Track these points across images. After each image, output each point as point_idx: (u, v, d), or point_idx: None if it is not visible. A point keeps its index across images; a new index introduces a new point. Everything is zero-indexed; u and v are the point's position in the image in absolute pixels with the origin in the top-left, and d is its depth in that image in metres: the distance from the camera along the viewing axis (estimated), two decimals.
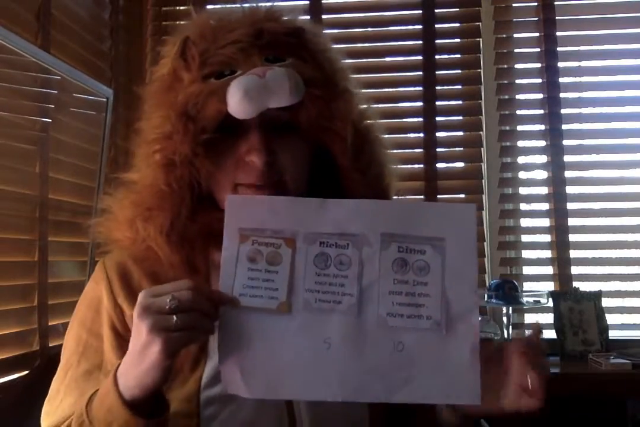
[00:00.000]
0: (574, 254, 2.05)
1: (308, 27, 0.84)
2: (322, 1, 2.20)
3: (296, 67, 0.77)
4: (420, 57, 2.14)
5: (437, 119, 2.12)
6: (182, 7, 2.25)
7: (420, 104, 2.15)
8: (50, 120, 1.57)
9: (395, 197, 0.92)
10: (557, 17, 2.11)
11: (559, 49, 2.10)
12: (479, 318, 0.75)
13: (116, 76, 1.95)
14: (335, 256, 0.74)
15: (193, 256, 0.81)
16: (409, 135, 2.17)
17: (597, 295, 1.97)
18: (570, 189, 2.07)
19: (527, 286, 2.06)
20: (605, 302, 1.98)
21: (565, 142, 2.08)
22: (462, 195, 2.14)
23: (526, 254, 2.13)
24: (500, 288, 1.87)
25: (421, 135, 2.13)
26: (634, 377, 1.75)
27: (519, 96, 2.18)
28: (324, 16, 2.19)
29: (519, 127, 2.15)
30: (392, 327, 0.73)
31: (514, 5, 2.16)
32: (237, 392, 0.71)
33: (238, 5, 0.85)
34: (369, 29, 2.19)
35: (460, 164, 2.16)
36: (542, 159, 2.11)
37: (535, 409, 0.74)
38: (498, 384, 0.74)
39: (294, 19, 0.85)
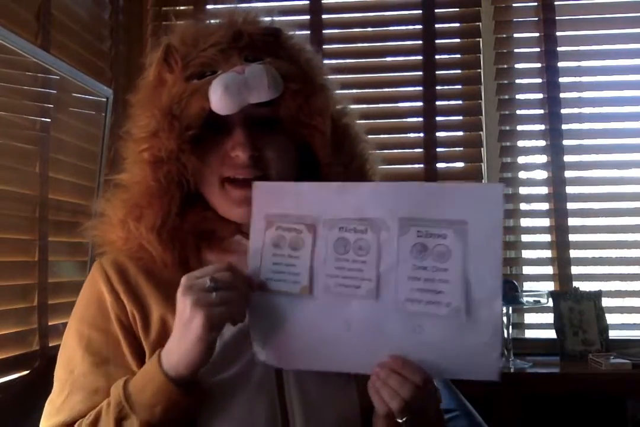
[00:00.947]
0: (574, 254, 2.05)
1: (284, 28, 0.87)
2: (322, 1, 2.20)
3: (274, 64, 0.80)
4: (420, 57, 2.14)
5: (437, 119, 2.12)
6: (182, 7, 2.26)
7: (420, 104, 2.14)
8: (50, 120, 1.57)
9: None
10: (557, 17, 2.10)
11: (559, 49, 2.10)
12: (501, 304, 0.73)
13: (116, 76, 1.95)
14: (354, 240, 0.74)
15: (185, 255, 0.83)
16: (409, 135, 2.17)
17: (597, 295, 1.97)
18: (570, 189, 2.07)
19: (527, 285, 2.06)
20: (605, 302, 1.97)
21: (565, 142, 2.08)
22: None
23: (526, 254, 2.12)
24: None
25: (421, 135, 2.13)
26: (634, 377, 1.76)
27: (519, 96, 2.18)
28: (324, 16, 2.19)
29: (519, 127, 2.15)
30: (410, 312, 0.73)
31: (514, 5, 2.16)
32: (269, 362, 0.77)
33: (217, 9, 0.89)
34: (369, 29, 2.19)
35: (460, 164, 2.17)
36: (542, 159, 2.11)
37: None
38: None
39: (271, 20, 0.89)
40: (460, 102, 2.20)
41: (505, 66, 2.15)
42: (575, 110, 2.14)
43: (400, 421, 0.72)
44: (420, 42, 2.15)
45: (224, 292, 0.70)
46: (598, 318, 1.94)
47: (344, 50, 2.24)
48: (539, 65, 2.12)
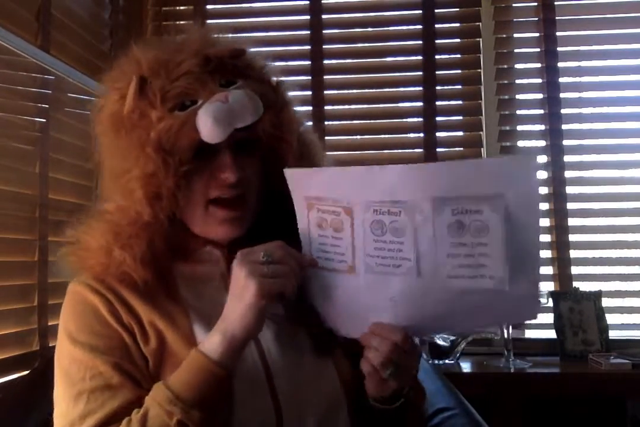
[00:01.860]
0: (574, 254, 2.05)
1: (245, 46, 0.89)
2: (322, 1, 2.20)
3: (250, 87, 0.84)
4: (420, 57, 2.15)
5: (437, 119, 2.13)
6: (182, 7, 2.26)
7: (420, 104, 2.15)
8: (49, 120, 1.57)
9: None
10: (557, 17, 2.11)
11: (559, 49, 2.10)
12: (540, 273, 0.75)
13: None
14: (389, 222, 0.75)
15: (160, 268, 0.85)
16: (409, 135, 2.17)
17: (597, 295, 1.97)
18: (570, 189, 2.07)
19: None
20: (605, 302, 1.97)
21: (565, 142, 2.08)
22: None
23: None
24: None
25: (421, 135, 2.13)
26: (634, 377, 1.75)
27: (519, 96, 2.18)
28: (324, 16, 2.19)
29: (519, 127, 2.15)
30: (454, 287, 0.74)
31: (514, 5, 2.16)
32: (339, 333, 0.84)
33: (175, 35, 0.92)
34: (369, 29, 2.19)
35: None
36: (542, 159, 2.11)
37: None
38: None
39: (230, 39, 0.91)
40: (460, 102, 2.20)
41: (505, 66, 2.16)
42: (575, 110, 2.14)
43: (385, 375, 0.78)
44: (420, 42, 2.15)
45: (275, 266, 0.75)
46: (598, 318, 1.94)
47: (344, 50, 2.24)
48: (539, 65, 2.12)
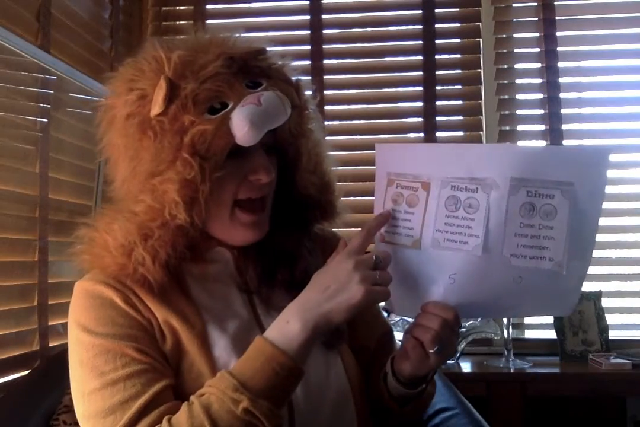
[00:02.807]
0: None
1: (266, 46, 0.89)
2: (322, 1, 2.20)
3: (276, 87, 0.84)
4: (420, 57, 2.15)
5: (437, 119, 2.13)
6: (182, 7, 2.26)
7: (420, 104, 2.15)
8: (50, 120, 1.57)
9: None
10: (557, 17, 2.11)
11: (559, 49, 2.11)
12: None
13: None
14: (464, 199, 0.78)
15: (173, 268, 0.84)
16: (409, 135, 2.18)
17: (597, 295, 1.97)
18: None
19: None
20: (605, 302, 1.98)
21: (565, 142, 2.08)
22: None
23: None
24: None
25: (421, 135, 2.13)
26: (634, 377, 1.76)
27: (519, 96, 2.18)
28: (324, 16, 2.20)
29: (519, 127, 2.15)
30: (514, 266, 0.77)
31: (514, 5, 2.16)
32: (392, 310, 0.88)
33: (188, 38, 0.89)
34: (369, 29, 2.20)
35: None
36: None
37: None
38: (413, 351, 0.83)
39: (245, 39, 0.89)
40: (460, 102, 2.20)
41: (505, 66, 2.16)
42: (575, 111, 2.14)
43: (431, 351, 0.80)
44: (420, 42, 2.15)
45: (384, 273, 0.77)
46: (598, 318, 1.94)
47: (344, 50, 2.24)
48: (539, 65, 2.12)
